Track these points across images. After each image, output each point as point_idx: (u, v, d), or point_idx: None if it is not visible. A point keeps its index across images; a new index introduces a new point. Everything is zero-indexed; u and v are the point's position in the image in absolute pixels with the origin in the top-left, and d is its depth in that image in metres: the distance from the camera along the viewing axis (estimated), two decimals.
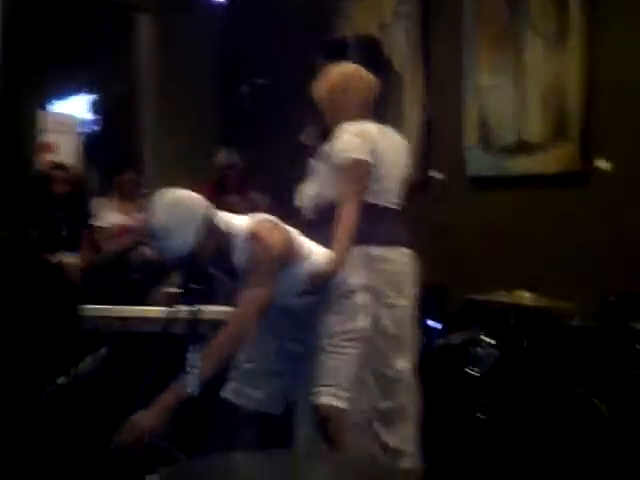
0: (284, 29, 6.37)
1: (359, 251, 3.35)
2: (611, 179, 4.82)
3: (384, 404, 3.38)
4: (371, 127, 3.52)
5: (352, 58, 5.05)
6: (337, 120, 3.54)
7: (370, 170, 3.42)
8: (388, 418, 3.37)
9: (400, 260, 3.47)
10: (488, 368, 3.91)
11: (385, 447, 3.34)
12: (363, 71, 3.67)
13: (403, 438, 3.39)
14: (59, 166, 5.86)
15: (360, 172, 3.41)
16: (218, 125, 6.87)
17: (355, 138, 3.43)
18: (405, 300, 3.45)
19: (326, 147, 3.50)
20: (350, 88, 3.61)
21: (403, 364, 3.43)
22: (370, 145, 3.44)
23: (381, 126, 3.58)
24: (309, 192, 3.59)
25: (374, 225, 3.41)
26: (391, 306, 3.40)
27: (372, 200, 3.44)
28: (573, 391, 3.82)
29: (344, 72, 3.67)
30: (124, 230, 5.61)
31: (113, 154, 6.66)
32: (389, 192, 3.53)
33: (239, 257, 3.06)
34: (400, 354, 3.43)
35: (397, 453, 3.35)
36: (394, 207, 3.55)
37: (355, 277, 3.29)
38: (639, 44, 4.70)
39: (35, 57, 7.57)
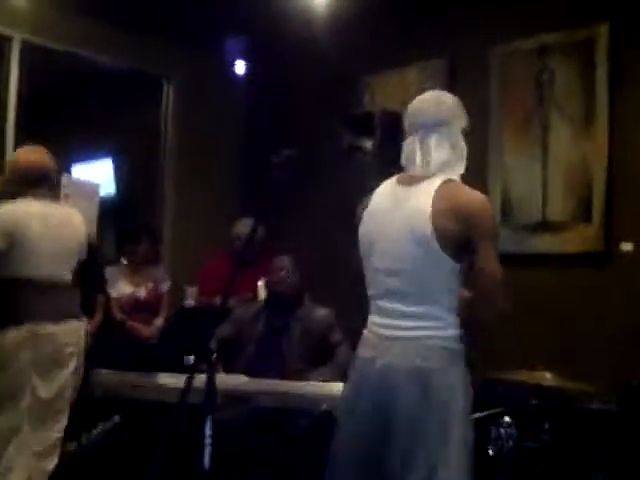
0: (309, 101, 6.43)
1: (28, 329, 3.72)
2: (633, 261, 4.81)
3: None
4: (15, 207, 3.87)
5: (377, 132, 5.12)
6: None
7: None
8: None
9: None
10: (507, 448, 3.84)
11: None
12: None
13: None
14: None
15: None
16: (239, 195, 6.91)
17: None
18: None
19: None
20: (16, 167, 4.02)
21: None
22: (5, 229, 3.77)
23: (47, 203, 3.98)
24: None
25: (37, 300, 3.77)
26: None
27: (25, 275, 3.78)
28: (591, 476, 3.74)
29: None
30: (132, 300, 5.61)
31: (128, 223, 6.72)
32: (44, 267, 3.85)
33: None
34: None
35: None
36: (56, 280, 3.89)
37: None
38: None
39: (60, 121, 7.69)
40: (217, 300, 4.03)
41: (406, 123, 2.80)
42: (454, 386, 2.57)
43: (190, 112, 6.90)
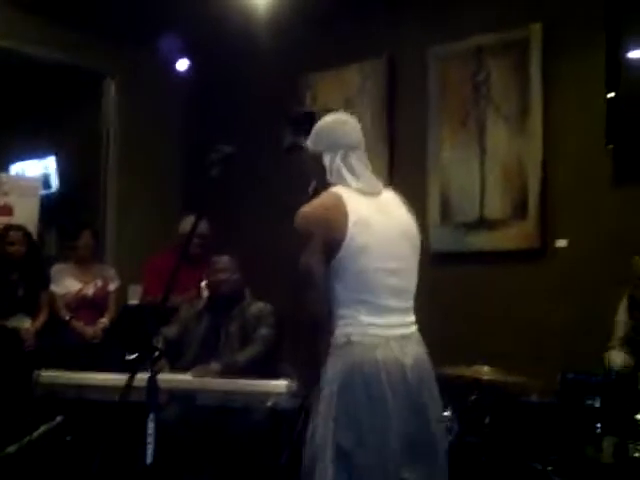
0: (250, 100, 6.45)
1: None
2: (568, 256, 4.93)
3: None
4: None
5: None
6: None
7: None
8: None
9: None
10: (448, 443, 3.90)
11: None
12: None
13: None
14: (15, 229, 5.81)
15: None
16: (181, 192, 6.91)
17: None
18: None
19: None
20: None
21: None
22: None
23: None
24: None
25: None
26: None
27: None
28: (531, 467, 3.83)
29: None
30: (79, 298, 5.61)
31: (70, 218, 6.68)
32: None
33: None
34: None
35: None
36: None
37: None
38: (594, 123, 4.86)
39: (0, 118, 7.60)
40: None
41: (325, 141, 2.92)
42: None
43: (132, 110, 6.86)
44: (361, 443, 2.63)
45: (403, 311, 2.82)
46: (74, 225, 5.95)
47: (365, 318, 2.76)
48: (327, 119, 2.97)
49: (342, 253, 2.75)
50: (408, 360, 2.72)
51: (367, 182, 2.87)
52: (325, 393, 2.70)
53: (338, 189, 2.84)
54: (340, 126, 2.93)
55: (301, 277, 2.80)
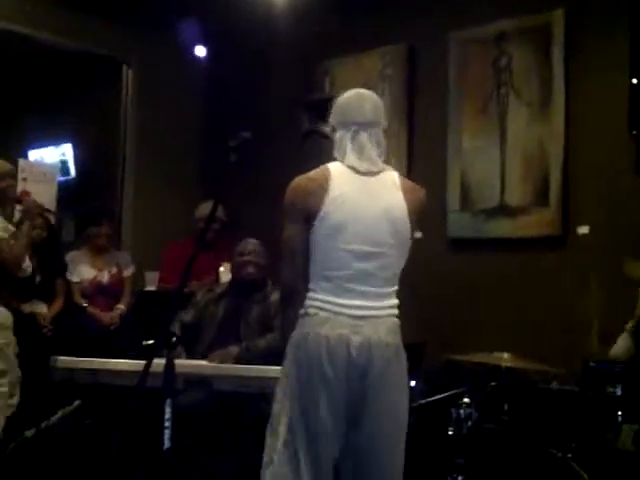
0: (268, 85, 6.42)
1: None
2: (589, 244, 4.88)
3: None
4: None
5: None
6: None
7: None
8: None
9: None
10: (467, 428, 3.89)
11: None
12: None
13: None
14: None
15: None
16: (199, 178, 6.89)
17: None
18: None
19: None
20: None
21: None
22: None
23: None
24: None
25: None
26: None
27: None
28: (551, 454, 3.80)
29: None
30: (94, 285, 5.61)
31: (89, 206, 6.68)
32: None
33: None
34: None
35: None
36: None
37: None
38: (617, 110, 4.80)
39: (19, 105, 7.62)
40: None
41: (339, 117, 2.93)
42: (405, 358, 2.89)
43: (149, 96, 6.86)
44: (295, 408, 2.76)
45: (373, 295, 2.81)
46: (95, 212, 5.96)
47: (323, 295, 2.82)
48: (346, 94, 2.97)
49: (316, 225, 2.79)
50: (357, 339, 2.74)
51: (367, 161, 2.85)
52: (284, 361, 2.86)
53: (332, 164, 2.87)
54: (356, 102, 2.93)
55: (282, 251, 2.88)
